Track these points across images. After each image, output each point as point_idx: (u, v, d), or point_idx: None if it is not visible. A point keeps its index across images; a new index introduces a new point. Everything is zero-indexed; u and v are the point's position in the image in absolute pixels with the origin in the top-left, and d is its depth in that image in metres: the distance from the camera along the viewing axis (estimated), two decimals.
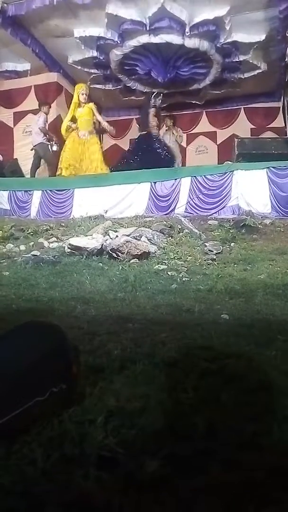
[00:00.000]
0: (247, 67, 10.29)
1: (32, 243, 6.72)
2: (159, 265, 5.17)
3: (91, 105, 9.33)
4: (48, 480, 1.08)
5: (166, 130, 11.12)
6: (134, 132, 12.87)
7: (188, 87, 11.11)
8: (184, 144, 11.88)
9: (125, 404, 1.49)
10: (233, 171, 7.98)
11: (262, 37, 9.12)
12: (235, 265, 5.25)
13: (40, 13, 8.64)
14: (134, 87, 11.33)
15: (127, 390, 1.60)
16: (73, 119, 9.62)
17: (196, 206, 8.00)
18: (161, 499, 1.01)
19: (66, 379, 1.43)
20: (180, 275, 4.72)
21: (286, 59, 9.70)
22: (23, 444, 1.22)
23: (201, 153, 12.60)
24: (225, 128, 12.47)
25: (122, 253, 5.46)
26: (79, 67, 10.50)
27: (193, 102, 12.07)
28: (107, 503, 0.98)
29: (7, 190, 9.06)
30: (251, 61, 9.99)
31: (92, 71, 10.68)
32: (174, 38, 9.00)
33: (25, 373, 1.34)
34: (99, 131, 10.05)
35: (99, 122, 9.72)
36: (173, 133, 10.93)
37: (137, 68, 10.36)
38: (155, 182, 8.33)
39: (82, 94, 9.27)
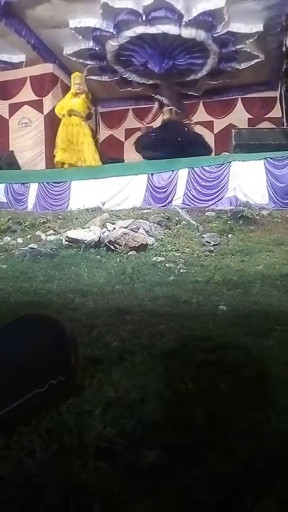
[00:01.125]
0: (244, 57, 10.21)
1: (30, 236, 6.71)
2: (156, 257, 5.18)
3: (84, 96, 9.28)
4: (47, 471, 1.08)
5: None
6: (129, 122, 12.84)
7: (185, 77, 11.02)
8: None
9: (124, 395, 1.49)
10: (230, 162, 7.96)
11: (259, 26, 9.04)
12: (233, 256, 5.25)
13: (35, 3, 8.54)
14: (131, 78, 11.24)
15: (126, 381, 1.61)
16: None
17: (193, 198, 7.99)
18: (160, 489, 1.02)
19: (65, 372, 1.43)
20: (178, 267, 4.73)
21: (283, 49, 9.63)
22: (22, 436, 1.22)
23: None
24: (222, 118, 12.42)
25: (120, 245, 5.46)
26: (75, 59, 10.41)
27: (190, 93, 12.00)
28: (106, 493, 0.99)
29: (3, 183, 9.02)
30: (248, 51, 9.91)
31: (88, 62, 10.57)
32: (170, 28, 8.91)
33: (23, 365, 1.34)
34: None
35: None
36: None
37: (133, 59, 10.26)
38: (152, 174, 8.31)
39: (76, 84, 9.22)
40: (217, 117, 12.52)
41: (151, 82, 11.25)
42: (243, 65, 10.51)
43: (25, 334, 1.49)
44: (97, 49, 9.95)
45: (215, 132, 12.40)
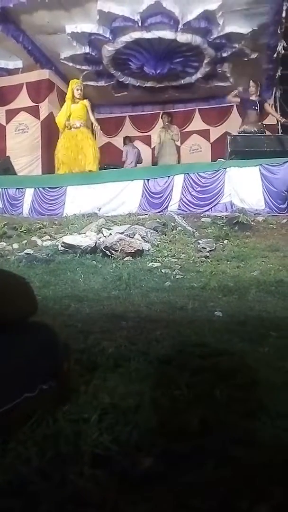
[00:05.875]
0: (239, 60, 10.30)
1: (25, 241, 6.69)
2: (152, 263, 5.18)
3: (86, 101, 9.27)
4: (42, 478, 1.08)
5: (162, 128, 11.08)
6: (127, 130, 12.86)
7: (180, 80, 11.10)
8: (178, 143, 11.84)
9: (120, 401, 1.49)
10: (226, 168, 7.99)
11: (254, 31, 9.14)
12: (228, 262, 5.26)
13: (31, 9, 8.58)
14: (127, 82, 11.29)
15: (122, 388, 1.60)
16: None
17: (189, 204, 8.01)
18: (156, 496, 1.02)
19: (56, 377, 1.42)
20: (174, 273, 4.73)
21: (275, 55, 9.72)
22: (18, 443, 1.22)
23: (195, 152, 12.58)
24: (218, 126, 12.46)
25: (116, 251, 5.46)
26: (71, 64, 10.45)
27: (186, 98, 12.06)
28: (102, 501, 0.99)
29: None
30: (242, 55, 10.00)
31: (84, 67, 10.63)
32: (166, 34, 9.00)
33: (13, 369, 1.33)
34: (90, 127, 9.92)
35: (92, 122, 9.61)
36: (168, 131, 10.85)
37: (129, 63, 10.33)
38: (148, 180, 8.32)
39: (77, 90, 9.21)
40: (213, 125, 12.57)
41: (147, 85, 11.31)
42: (238, 68, 10.59)
43: (15, 338, 1.47)
44: (93, 54, 10.01)
45: (211, 141, 12.46)
